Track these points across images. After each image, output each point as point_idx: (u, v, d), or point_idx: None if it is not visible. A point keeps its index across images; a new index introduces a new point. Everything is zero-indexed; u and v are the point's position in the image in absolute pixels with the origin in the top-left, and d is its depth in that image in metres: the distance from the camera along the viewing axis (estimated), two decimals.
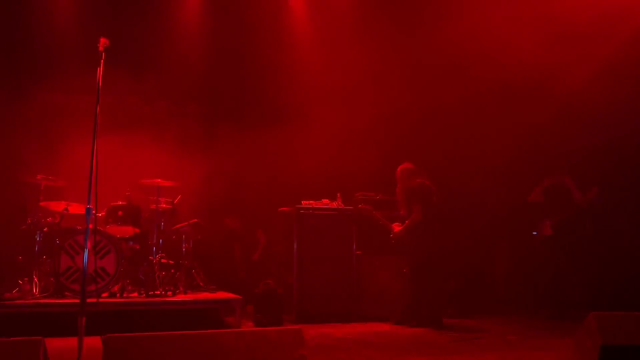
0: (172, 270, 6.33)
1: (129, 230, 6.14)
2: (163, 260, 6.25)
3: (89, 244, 3.27)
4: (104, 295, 5.74)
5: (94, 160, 3.27)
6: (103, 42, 3.30)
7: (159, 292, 5.96)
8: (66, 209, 6.04)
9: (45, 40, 6.71)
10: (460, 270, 7.15)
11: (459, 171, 7.29)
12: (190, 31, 7.35)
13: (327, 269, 6.49)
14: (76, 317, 5.35)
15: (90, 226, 3.31)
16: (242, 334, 2.66)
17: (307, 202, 6.64)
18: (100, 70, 3.29)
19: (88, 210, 3.28)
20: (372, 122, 7.23)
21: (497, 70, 6.87)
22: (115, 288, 5.88)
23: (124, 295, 5.82)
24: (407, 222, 6.08)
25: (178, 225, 6.63)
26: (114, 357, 2.55)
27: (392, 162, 6.35)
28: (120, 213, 6.10)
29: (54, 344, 4.33)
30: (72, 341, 3.39)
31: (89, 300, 3.16)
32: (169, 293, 6.04)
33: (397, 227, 6.16)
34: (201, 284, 6.62)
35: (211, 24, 7.50)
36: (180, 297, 5.97)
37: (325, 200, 6.67)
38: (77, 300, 5.47)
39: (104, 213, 6.12)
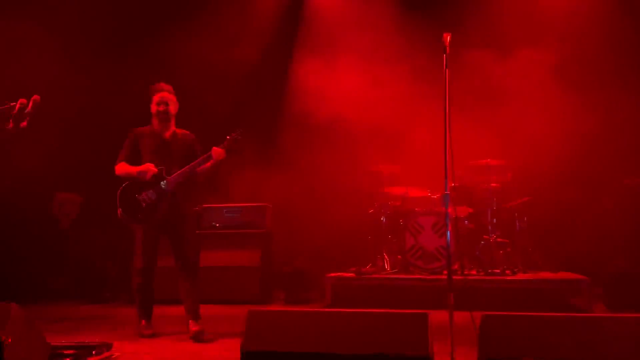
0: (508, 249, 6.33)
1: (463, 210, 6.37)
2: (499, 239, 6.30)
3: (449, 226, 3.49)
4: (444, 272, 6.09)
5: (448, 149, 3.48)
6: (445, 36, 3.48)
7: (498, 271, 6.05)
8: (406, 193, 6.61)
9: (393, 32, 7.31)
10: None
11: None
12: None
13: None
14: (423, 291, 5.90)
15: (449, 210, 3.51)
16: (626, 320, 2.50)
17: None
18: (445, 65, 3.49)
19: (445, 197, 3.52)
20: None
21: None
22: (455, 266, 6.18)
23: (464, 273, 6.08)
24: None
25: (510, 204, 6.58)
26: (490, 334, 2.69)
27: None
28: (454, 194, 6.37)
29: None
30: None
31: (455, 277, 3.40)
32: (507, 272, 6.06)
33: None
34: (539, 263, 6.46)
35: None
36: (521, 277, 5.94)
37: None
38: (424, 276, 6.03)
39: (439, 195, 6.49)
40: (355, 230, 7.07)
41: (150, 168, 4.53)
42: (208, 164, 4.55)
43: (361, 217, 6.95)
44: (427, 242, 6.25)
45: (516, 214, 6.54)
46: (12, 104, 3.60)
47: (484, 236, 6.37)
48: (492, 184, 6.48)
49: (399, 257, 6.43)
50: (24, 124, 3.55)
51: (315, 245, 7.28)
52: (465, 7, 7.14)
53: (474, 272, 6.18)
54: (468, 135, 6.41)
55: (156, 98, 4.69)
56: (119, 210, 4.59)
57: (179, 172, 4.53)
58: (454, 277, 3.51)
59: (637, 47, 6.86)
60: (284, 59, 7.94)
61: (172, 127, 4.75)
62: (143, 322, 4.59)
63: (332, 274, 6.18)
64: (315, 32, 7.90)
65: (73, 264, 7.41)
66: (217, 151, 4.46)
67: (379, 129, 6.94)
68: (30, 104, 3.56)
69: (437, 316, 2.98)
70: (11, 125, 3.56)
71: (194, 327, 4.45)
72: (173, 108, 4.71)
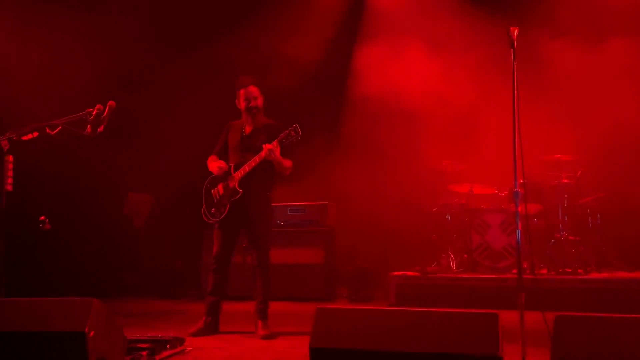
0: (581, 248, 6.09)
1: (532, 207, 6.17)
2: (570, 237, 6.07)
3: (519, 225, 3.40)
4: (513, 271, 5.93)
5: (517, 144, 3.39)
6: (512, 30, 3.40)
7: (570, 270, 5.83)
8: (471, 191, 6.48)
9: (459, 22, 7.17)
10: None
11: None
12: None
13: None
14: (491, 291, 5.76)
15: (520, 209, 3.42)
16: None
17: None
18: (512, 59, 3.40)
19: (516, 194, 3.43)
20: None
21: None
22: (524, 265, 6.00)
23: (534, 272, 5.89)
24: None
25: (582, 201, 6.32)
26: (564, 335, 2.60)
27: None
28: (522, 191, 6.18)
29: None
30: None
31: (526, 277, 3.31)
32: (580, 271, 5.84)
33: None
34: (614, 262, 6.18)
35: None
36: (594, 276, 5.70)
37: None
38: (493, 276, 5.89)
39: (506, 192, 6.31)
40: (419, 228, 6.98)
41: (221, 164, 4.60)
42: (274, 162, 4.49)
43: (425, 215, 6.86)
44: (494, 240, 6.12)
45: (589, 211, 6.30)
46: (89, 110, 3.81)
47: (555, 234, 6.16)
48: (563, 180, 6.25)
49: (465, 256, 6.32)
50: (101, 128, 3.75)
51: (379, 244, 7.27)
52: None
53: (544, 271, 5.99)
54: (537, 129, 6.23)
55: (242, 94, 4.65)
56: (203, 206, 4.70)
57: (241, 168, 4.53)
58: (524, 276, 3.43)
59: None
60: (346, 54, 7.95)
61: (259, 121, 4.69)
62: (203, 318, 4.59)
63: (396, 273, 6.15)
64: (378, 24, 7.82)
65: (145, 261, 7.73)
66: (266, 147, 4.37)
67: (443, 124, 6.82)
68: (107, 109, 3.76)
69: (507, 316, 2.91)
70: (89, 130, 3.77)
71: (261, 330, 4.49)
72: (261, 101, 4.67)
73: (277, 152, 4.40)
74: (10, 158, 3.59)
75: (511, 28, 3.40)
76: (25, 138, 3.70)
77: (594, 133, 6.29)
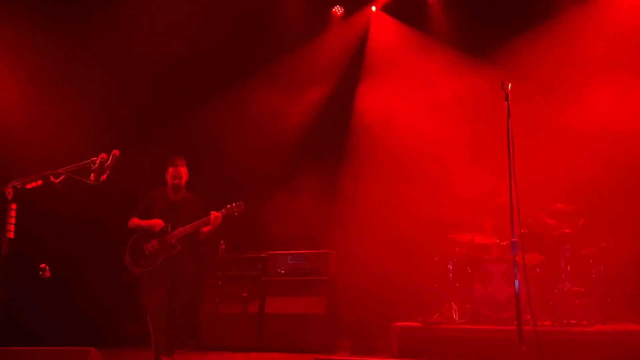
0: (585, 299, 6.00)
1: (534, 258, 6.13)
2: (574, 288, 5.99)
3: (516, 275, 3.39)
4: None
5: (514, 195, 3.42)
6: (506, 84, 3.49)
7: (574, 322, 5.73)
8: (472, 240, 6.46)
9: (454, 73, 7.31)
10: None
11: None
12: None
13: None
14: (494, 343, 5.66)
15: (517, 258, 3.42)
16: None
17: None
18: (507, 112, 3.49)
19: (513, 244, 3.44)
20: None
21: None
22: (527, 316, 5.90)
23: (537, 323, 5.79)
24: None
25: (585, 251, 6.28)
26: None
27: None
28: (524, 241, 6.16)
29: None
30: None
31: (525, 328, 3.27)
32: (584, 323, 5.73)
33: None
34: (619, 313, 6.07)
35: None
36: (600, 328, 5.59)
37: None
38: (496, 327, 5.80)
39: (508, 242, 6.28)
40: (421, 277, 6.91)
41: (158, 222, 5.25)
42: (209, 227, 5.24)
43: (427, 264, 6.80)
44: (497, 290, 6.04)
45: (592, 261, 6.24)
46: (93, 158, 3.90)
47: (559, 285, 6.08)
48: (565, 230, 6.22)
49: (468, 306, 6.23)
50: (104, 177, 3.83)
51: (381, 293, 7.17)
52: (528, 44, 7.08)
53: (548, 322, 5.89)
54: (538, 179, 6.27)
55: (171, 171, 5.44)
56: (127, 257, 5.20)
57: (180, 230, 5.24)
58: (526, 327, 3.39)
59: None
60: (343, 108, 8.15)
61: (182, 193, 5.49)
62: (163, 358, 4.97)
63: (399, 324, 6.06)
64: (377, 75, 8.05)
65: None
66: (214, 215, 5.21)
67: (443, 173, 6.86)
68: (110, 158, 3.85)
69: None
70: (92, 178, 3.85)
71: None
72: (184, 180, 5.49)
73: (220, 220, 5.23)
74: (14, 206, 3.64)
75: (505, 82, 3.49)
76: (29, 186, 3.77)
77: (592, 182, 6.31)
